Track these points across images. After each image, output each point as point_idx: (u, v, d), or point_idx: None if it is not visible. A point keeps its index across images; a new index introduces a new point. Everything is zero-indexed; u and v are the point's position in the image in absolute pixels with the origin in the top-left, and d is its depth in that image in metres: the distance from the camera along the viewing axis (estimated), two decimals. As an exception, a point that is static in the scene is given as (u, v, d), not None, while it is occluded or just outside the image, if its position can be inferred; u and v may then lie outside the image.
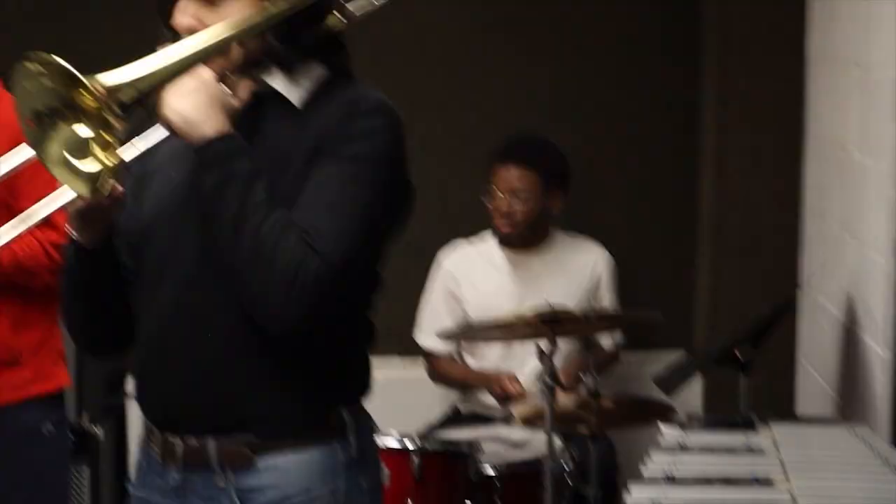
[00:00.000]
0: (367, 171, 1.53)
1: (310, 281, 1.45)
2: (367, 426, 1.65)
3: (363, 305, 1.64)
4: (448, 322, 3.06)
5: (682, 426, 2.34)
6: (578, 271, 3.16)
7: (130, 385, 2.46)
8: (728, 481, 1.96)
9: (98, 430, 3.09)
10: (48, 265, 2.25)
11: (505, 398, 2.95)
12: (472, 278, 3.16)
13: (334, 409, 1.59)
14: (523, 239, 3.10)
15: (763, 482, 1.93)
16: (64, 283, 1.66)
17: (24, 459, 2.35)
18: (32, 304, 2.35)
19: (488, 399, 3.05)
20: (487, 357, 3.12)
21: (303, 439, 1.56)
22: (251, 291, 1.49)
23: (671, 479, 1.94)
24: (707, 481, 1.96)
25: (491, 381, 3.02)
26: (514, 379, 2.96)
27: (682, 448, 2.13)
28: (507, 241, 3.11)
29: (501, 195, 3.02)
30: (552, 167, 3.08)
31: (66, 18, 3.46)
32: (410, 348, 3.25)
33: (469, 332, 2.97)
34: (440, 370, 3.19)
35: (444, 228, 3.34)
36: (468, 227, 3.28)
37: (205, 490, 1.58)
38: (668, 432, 2.25)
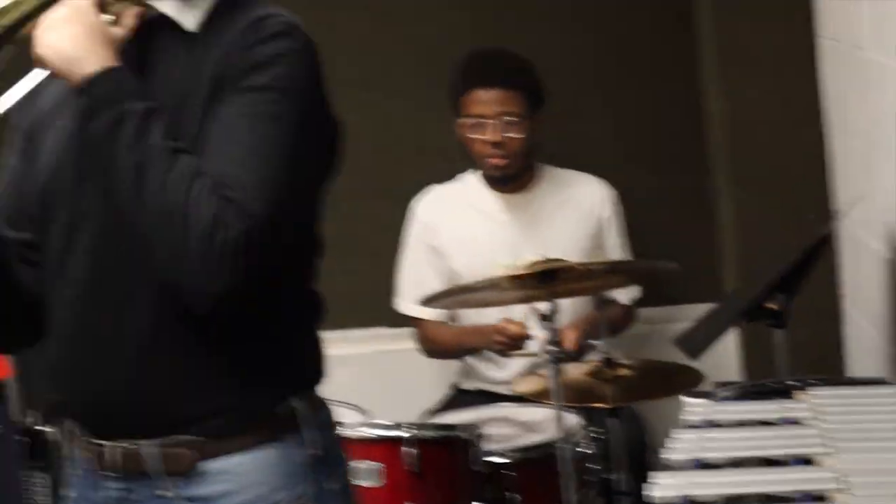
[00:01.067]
0: (282, 103, 1.33)
1: (231, 240, 1.26)
2: (326, 417, 1.49)
3: (303, 273, 1.46)
4: (433, 282, 2.70)
5: (709, 397, 2.11)
6: (580, 213, 2.78)
7: None
8: (767, 462, 1.74)
9: (52, 430, 2.57)
10: None
11: (512, 345, 2.56)
12: (455, 227, 2.77)
13: (282, 400, 1.42)
14: (516, 175, 2.73)
15: (804, 461, 1.72)
16: None
17: None
18: None
19: (493, 373, 2.73)
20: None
21: (250, 437, 1.39)
22: (163, 259, 1.30)
23: (701, 464, 1.71)
24: (741, 463, 1.73)
25: (489, 332, 2.62)
26: (514, 321, 2.55)
27: (711, 424, 1.91)
28: (500, 180, 2.73)
29: (489, 122, 2.64)
30: (534, 85, 2.71)
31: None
32: (403, 318, 2.91)
33: (450, 296, 2.54)
34: (429, 337, 2.83)
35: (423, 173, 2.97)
36: (447, 170, 2.91)
37: (149, 502, 1.41)
38: (693, 405, 2.03)
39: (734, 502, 1.56)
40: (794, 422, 1.92)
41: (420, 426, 2.28)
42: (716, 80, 3.00)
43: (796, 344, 2.41)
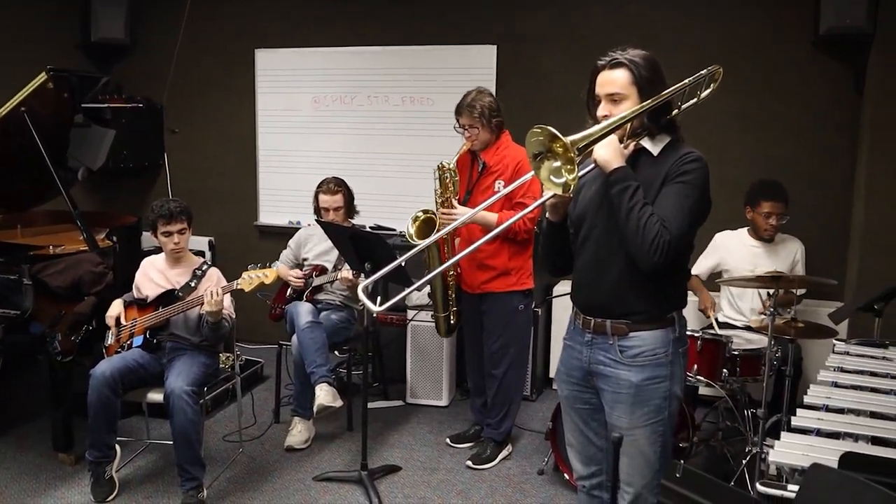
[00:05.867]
0: (691, 190, 2.32)
1: (664, 243, 2.25)
2: (683, 322, 2.53)
3: (685, 259, 2.48)
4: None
5: (846, 342, 3.10)
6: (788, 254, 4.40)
7: (556, 290, 4.63)
8: (874, 374, 2.60)
9: (538, 310, 4.99)
10: (525, 229, 3.72)
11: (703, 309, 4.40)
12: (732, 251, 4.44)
13: (670, 312, 2.45)
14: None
15: (894, 377, 2.58)
16: (544, 241, 2.54)
17: (510, 320, 3.97)
18: (518, 245, 3.96)
19: (737, 315, 4.40)
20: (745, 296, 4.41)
21: (654, 324, 2.43)
22: (634, 248, 2.29)
23: (839, 369, 2.61)
24: (861, 373, 2.59)
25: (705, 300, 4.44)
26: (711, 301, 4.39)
27: (847, 353, 2.89)
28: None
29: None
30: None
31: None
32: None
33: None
34: (692, 283, 4.46)
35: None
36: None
37: (602, 344, 2.45)
38: (839, 345, 3.03)
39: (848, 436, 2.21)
40: (889, 360, 2.63)
41: (703, 333, 3.86)
42: (861, 205, 4.39)
43: (883, 325, 3.47)
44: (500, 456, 4.16)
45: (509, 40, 5.28)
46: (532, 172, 2.24)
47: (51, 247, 4.22)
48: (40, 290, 3.85)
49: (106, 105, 5.65)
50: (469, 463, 4.09)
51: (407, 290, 2.33)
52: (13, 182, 4.49)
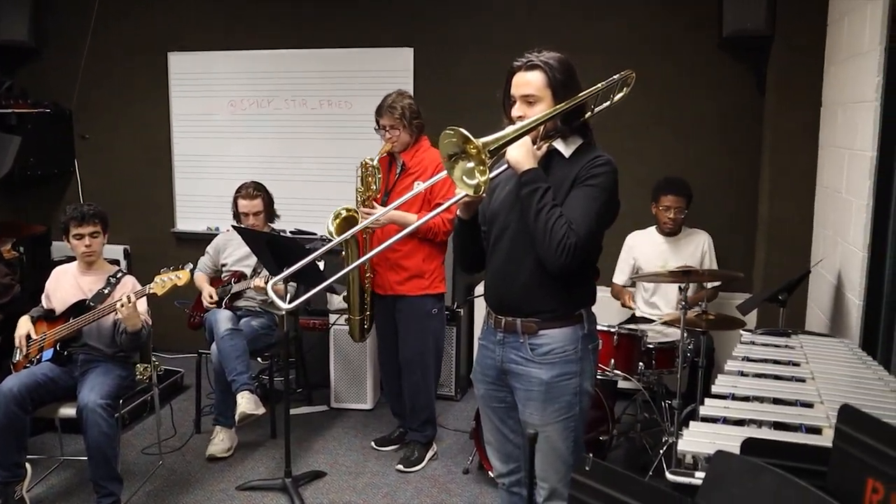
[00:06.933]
0: (599, 192, 2.36)
1: (570, 245, 2.29)
2: (592, 319, 2.57)
3: (593, 260, 2.52)
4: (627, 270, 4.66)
5: (753, 332, 3.17)
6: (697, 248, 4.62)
7: (477, 290, 4.58)
8: (777, 362, 2.69)
9: (460, 310, 5.10)
10: (444, 230, 3.73)
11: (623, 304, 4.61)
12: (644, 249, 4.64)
13: (578, 309, 2.49)
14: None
15: (795, 364, 2.67)
16: (456, 238, 2.59)
17: (424, 325, 3.98)
18: (435, 248, 4.00)
19: (651, 310, 4.40)
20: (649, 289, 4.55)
21: (564, 322, 2.46)
22: (541, 249, 2.32)
23: (746, 359, 2.72)
24: (765, 361, 2.71)
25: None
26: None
27: (753, 343, 2.97)
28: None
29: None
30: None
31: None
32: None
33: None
34: (615, 291, 4.72)
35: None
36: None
37: (513, 343, 2.48)
38: (745, 335, 3.12)
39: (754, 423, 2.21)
40: (791, 347, 2.79)
41: (618, 328, 3.90)
42: (766, 203, 4.62)
43: (787, 315, 3.69)
44: (428, 456, 4.19)
45: (426, 43, 5.30)
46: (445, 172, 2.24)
47: (-47, 259, 4.05)
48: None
49: (10, 110, 5.45)
50: (399, 467, 4.11)
51: (321, 285, 2.32)
52: None
